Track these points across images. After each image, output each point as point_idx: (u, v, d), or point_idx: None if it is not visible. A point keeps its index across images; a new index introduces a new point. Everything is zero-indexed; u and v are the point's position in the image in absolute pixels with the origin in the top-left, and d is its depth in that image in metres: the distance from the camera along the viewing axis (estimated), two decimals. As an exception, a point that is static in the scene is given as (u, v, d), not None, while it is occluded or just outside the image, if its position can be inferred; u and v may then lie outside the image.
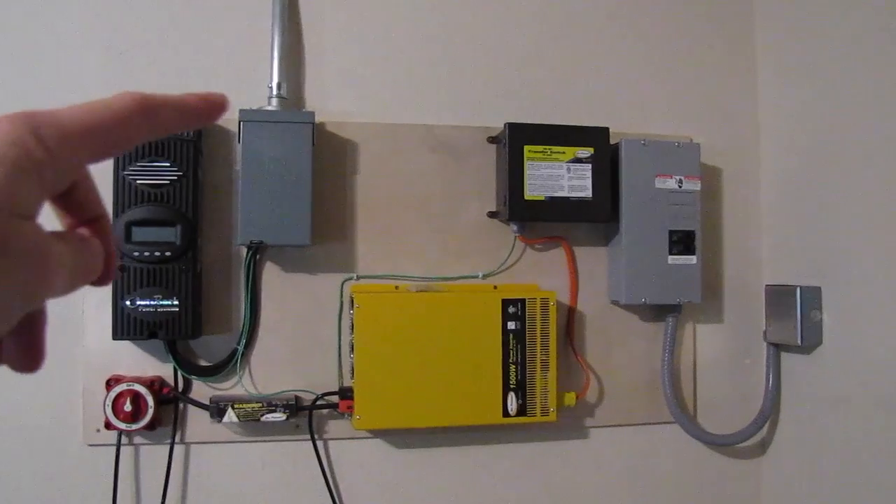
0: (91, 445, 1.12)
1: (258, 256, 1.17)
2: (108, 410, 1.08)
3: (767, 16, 1.38)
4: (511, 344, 1.17)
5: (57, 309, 1.15)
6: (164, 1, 1.18)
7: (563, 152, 1.19)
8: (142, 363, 1.14)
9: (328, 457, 1.19)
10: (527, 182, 1.18)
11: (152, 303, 1.08)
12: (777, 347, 1.31)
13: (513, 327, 1.17)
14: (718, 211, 1.37)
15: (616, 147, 1.23)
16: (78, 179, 0.29)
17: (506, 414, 1.16)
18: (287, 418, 1.13)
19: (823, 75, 1.23)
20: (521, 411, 1.17)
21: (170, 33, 1.18)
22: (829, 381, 1.21)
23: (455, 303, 1.17)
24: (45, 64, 1.14)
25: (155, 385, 1.11)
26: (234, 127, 1.15)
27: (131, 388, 1.08)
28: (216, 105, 0.31)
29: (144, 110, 0.28)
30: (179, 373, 1.14)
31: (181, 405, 1.14)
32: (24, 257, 0.23)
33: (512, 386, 1.16)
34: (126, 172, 1.07)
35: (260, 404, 1.13)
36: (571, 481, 1.29)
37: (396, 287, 1.20)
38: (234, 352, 1.16)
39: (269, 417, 1.13)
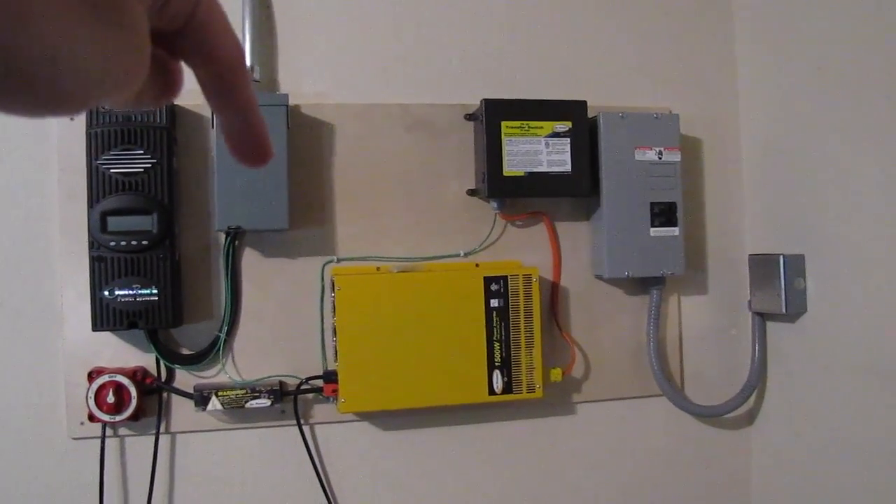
0: (75, 439, 1.11)
1: (237, 242, 1.16)
2: (91, 403, 1.07)
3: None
4: (495, 321, 1.16)
5: (35, 301, 1.13)
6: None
7: (541, 127, 1.19)
8: (123, 354, 1.13)
9: (315, 441, 1.19)
10: (505, 158, 1.17)
11: (131, 292, 1.07)
12: (762, 317, 1.31)
13: (496, 304, 1.16)
14: (699, 181, 1.36)
15: (594, 120, 1.22)
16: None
17: (492, 392, 1.16)
18: (272, 404, 1.13)
19: (802, 42, 1.23)
20: (507, 389, 1.16)
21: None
22: (815, 349, 1.21)
23: (437, 282, 1.16)
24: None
25: (137, 375, 1.11)
26: (207, 112, 1.13)
27: (113, 379, 1.08)
28: (256, 149, 0.30)
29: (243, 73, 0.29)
30: (162, 362, 1.13)
31: (165, 395, 1.14)
32: (133, 28, 0.23)
33: (497, 364, 1.16)
34: (99, 162, 1.06)
35: (244, 391, 1.12)
36: (560, 457, 1.29)
37: (377, 268, 1.19)
38: (217, 339, 1.15)
39: (254, 404, 1.12)
